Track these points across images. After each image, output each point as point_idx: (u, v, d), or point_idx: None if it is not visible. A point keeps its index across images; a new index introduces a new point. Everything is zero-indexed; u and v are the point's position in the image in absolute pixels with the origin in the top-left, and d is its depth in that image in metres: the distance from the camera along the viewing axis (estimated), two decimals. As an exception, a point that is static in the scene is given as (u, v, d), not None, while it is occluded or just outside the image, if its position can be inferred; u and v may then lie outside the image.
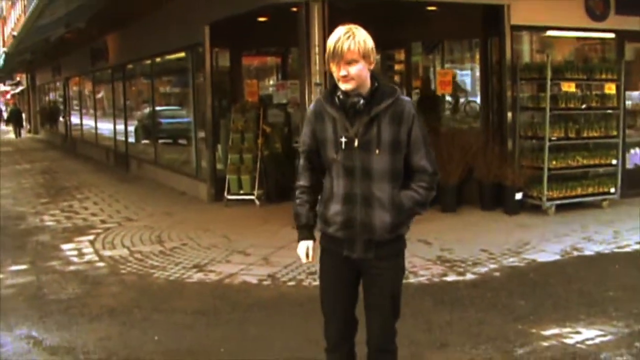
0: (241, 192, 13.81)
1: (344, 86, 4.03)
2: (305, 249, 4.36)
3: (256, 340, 6.48)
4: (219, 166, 14.80)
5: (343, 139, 4.07)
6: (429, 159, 4.14)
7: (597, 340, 6.22)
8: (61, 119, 35.56)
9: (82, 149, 28.87)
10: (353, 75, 3.98)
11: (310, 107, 4.33)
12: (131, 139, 21.81)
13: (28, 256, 10.06)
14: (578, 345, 6.10)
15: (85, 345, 6.45)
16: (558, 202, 11.84)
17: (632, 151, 13.52)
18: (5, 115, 57.04)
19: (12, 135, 45.61)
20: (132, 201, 14.79)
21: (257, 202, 13.49)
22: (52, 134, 38.99)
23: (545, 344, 6.16)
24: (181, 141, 17.87)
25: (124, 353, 6.24)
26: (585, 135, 12.13)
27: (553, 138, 11.73)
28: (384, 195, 4.07)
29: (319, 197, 4.31)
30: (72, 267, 9.37)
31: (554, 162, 11.76)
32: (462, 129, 13.44)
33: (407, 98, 4.18)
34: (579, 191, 12.11)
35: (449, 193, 12.13)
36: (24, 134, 46.60)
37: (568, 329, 6.48)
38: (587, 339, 6.24)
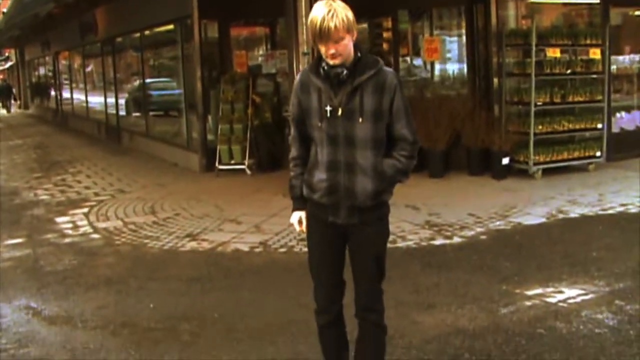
0: (232, 162, 13.96)
1: (332, 62, 4.12)
2: (299, 218, 4.50)
3: (249, 305, 6.66)
4: (210, 137, 14.92)
5: (328, 108, 4.18)
6: (410, 128, 4.28)
7: (579, 299, 6.41)
8: (52, 93, 35.51)
9: (73, 123, 28.89)
10: (341, 51, 4.09)
11: (296, 78, 4.45)
12: (122, 112, 21.87)
13: (24, 230, 10.19)
14: (560, 304, 6.29)
15: (82, 314, 6.62)
16: (544, 166, 12.01)
17: (617, 115, 13.67)
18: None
19: (2, 111, 45.51)
20: (124, 173, 14.91)
21: (248, 171, 13.64)
22: (42, 109, 38.93)
23: (528, 303, 6.35)
24: (172, 113, 17.94)
25: (121, 320, 6.41)
26: (570, 100, 12.27)
27: (539, 103, 11.87)
28: (366, 163, 4.18)
29: None
30: (67, 240, 9.52)
31: (540, 127, 11.92)
32: (449, 95, 13.53)
33: (389, 69, 4.30)
34: (565, 155, 12.26)
35: (436, 159, 12.31)
36: (14, 109, 46.50)
37: (551, 289, 6.68)
38: (569, 298, 6.44)
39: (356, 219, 4.29)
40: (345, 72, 4.15)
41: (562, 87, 12.29)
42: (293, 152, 4.52)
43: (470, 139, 12.22)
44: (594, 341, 5.47)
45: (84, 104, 27.37)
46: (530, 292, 6.61)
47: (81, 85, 28.04)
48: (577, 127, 12.39)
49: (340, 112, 4.17)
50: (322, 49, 4.13)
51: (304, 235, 4.55)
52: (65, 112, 31.60)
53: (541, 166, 11.96)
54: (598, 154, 12.52)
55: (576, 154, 12.36)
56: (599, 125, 12.52)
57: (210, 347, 5.71)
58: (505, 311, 6.18)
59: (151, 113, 19.25)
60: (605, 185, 11.13)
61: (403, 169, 4.29)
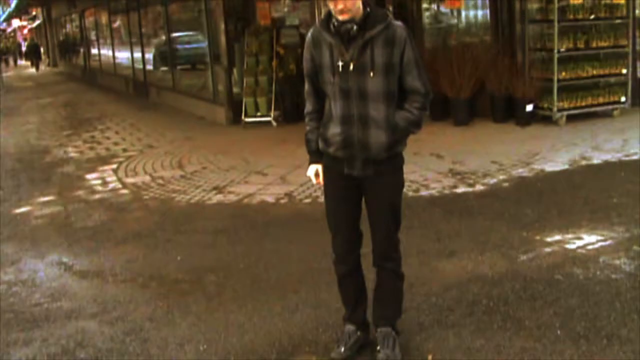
0: (258, 114, 14.09)
1: (341, 17, 4.22)
2: (315, 171, 4.68)
3: (274, 255, 6.82)
4: (236, 90, 15.03)
5: (339, 63, 4.28)
6: (422, 80, 4.37)
7: (598, 245, 6.49)
8: (79, 50, 35.68)
9: (101, 79, 29.09)
10: (350, 7, 4.19)
11: (308, 34, 4.55)
12: (149, 67, 21.98)
13: (54, 187, 10.39)
14: (579, 250, 6.38)
15: (112, 267, 6.82)
16: (568, 112, 11.98)
17: (644, 59, 13.53)
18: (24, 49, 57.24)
19: (32, 70, 45.81)
20: (152, 128, 15.07)
21: (273, 123, 13.76)
22: (71, 66, 39.16)
23: (547, 249, 6.45)
24: (198, 66, 18.03)
25: (149, 273, 6.60)
26: (594, 45, 12.16)
27: (562, 49, 11.81)
28: (379, 115, 4.30)
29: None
30: (97, 196, 9.71)
31: (563, 73, 11.86)
32: (472, 42, 13.49)
33: (398, 22, 4.35)
34: (589, 101, 12.21)
35: (461, 107, 12.35)
36: (42, 67, 46.80)
37: (570, 235, 6.76)
38: (588, 244, 6.52)
39: (371, 170, 4.40)
40: (355, 27, 4.23)
41: (586, 33, 12.17)
42: (308, 107, 4.66)
43: (494, 86, 12.21)
44: (609, 286, 5.56)
45: (112, 60, 27.52)
46: (549, 239, 6.70)
47: (108, 42, 28.17)
48: (601, 72, 12.31)
49: (352, 67, 4.26)
50: (331, 5, 4.22)
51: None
52: (93, 69, 31.80)
53: (565, 112, 11.93)
54: (623, 99, 12.44)
55: (600, 100, 12.31)
56: (624, 71, 12.42)
57: (235, 296, 5.88)
58: (524, 258, 6.28)
59: (178, 67, 19.34)
60: (629, 131, 11.08)
61: (415, 120, 4.41)
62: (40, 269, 6.99)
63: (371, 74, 4.26)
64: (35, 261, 7.21)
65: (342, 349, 4.71)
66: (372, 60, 4.26)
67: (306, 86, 4.64)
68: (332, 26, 4.31)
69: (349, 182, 4.50)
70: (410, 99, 4.39)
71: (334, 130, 4.41)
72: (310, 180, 4.77)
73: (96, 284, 6.47)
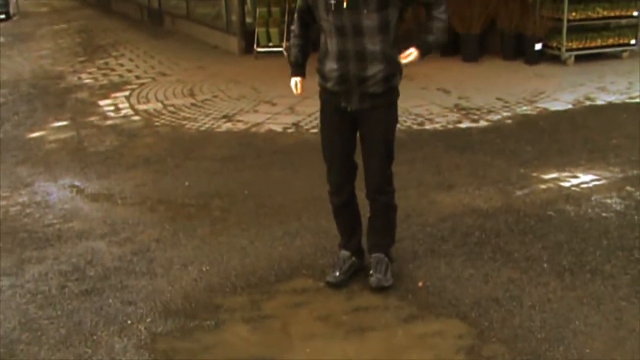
0: (270, 44, 14.17)
1: None
2: (295, 83, 4.94)
3: (278, 182, 7.06)
4: (249, 20, 15.09)
5: (332, 1, 4.39)
6: None
7: (592, 184, 6.68)
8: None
9: (116, 6, 28.99)
10: None
11: None
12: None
13: (68, 113, 10.56)
14: (573, 188, 6.57)
15: (122, 191, 7.07)
16: (577, 52, 12.02)
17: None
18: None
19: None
20: (166, 57, 15.16)
21: (285, 53, 13.87)
22: (86, -9, 38.99)
23: (543, 186, 6.65)
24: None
25: (157, 197, 6.85)
26: (606, -14, 12.15)
27: (573, -11, 11.81)
28: (376, 48, 4.43)
29: (315, 51, 4.73)
30: (109, 122, 9.90)
31: (573, 14, 11.85)
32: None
33: None
34: (598, 42, 12.22)
35: (470, 43, 12.43)
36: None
37: (567, 173, 6.95)
38: (583, 183, 6.71)
39: (367, 104, 4.57)
40: None
41: (598, -26, 12.15)
42: (294, 27, 4.85)
43: (505, 24, 12.26)
44: (599, 224, 5.77)
45: (127, -14, 27.43)
46: (546, 176, 6.89)
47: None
48: (612, 14, 12.28)
49: (345, 5, 4.36)
50: None
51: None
52: (108, -5, 31.70)
53: (574, 52, 11.98)
54: (632, 41, 12.44)
55: (610, 42, 12.31)
56: (635, 13, 12.39)
57: (239, 221, 6.13)
58: (519, 193, 6.49)
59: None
60: (636, 73, 11.10)
61: (446, 26, 4.58)
62: (53, 191, 7.23)
63: (365, 11, 4.35)
64: (49, 184, 7.45)
65: (337, 273, 4.96)
66: None
67: (295, 17, 4.82)
68: None
69: (345, 115, 4.64)
70: (435, 4, 4.52)
71: (331, 65, 4.53)
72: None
73: (106, 207, 6.72)
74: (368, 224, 5.01)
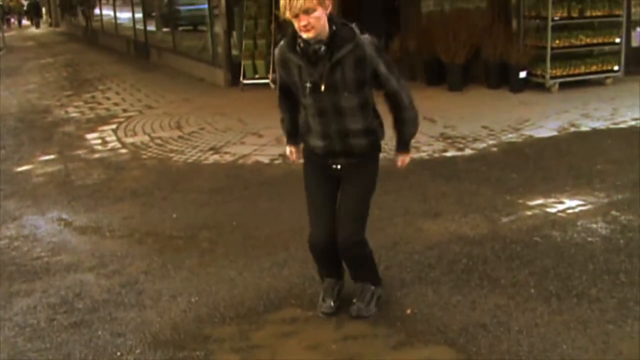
0: (256, 76, 14.27)
1: (305, 35, 4.14)
2: (290, 151, 5.03)
3: (265, 214, 7.07)
4: (235, 52, 15.18)
5: (308, 85, 4.31)
6: (400, 85, 4.48)
7: (578, 209, 6.72)
8: (81, 10, 35.66)
9: (103, 40, 29.16)
10: (314, 24, 4.09)
11: (275, 52, 4.49)
12: (151, 28, 22.07)
13: (55, 146, 10.60)
14: (559, 214, 6.61)
15: (110, 224, 7.08)
16: (561, 80, 12.14)
17: (637, 29, 13.57)
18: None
19: (33, 29, 45.77)
20: (152, 89, 15.24)
21: (272, 85, 13.91)
22: (72, 26, 39.15)
23: (529, 213, 6.68)
24: (199, 28, 18.14)
25: (145, 229, 6.86)
26: (589, 14, 12.24)
27: (556, 18, 11.92)
28: (357, 126, 4.47)
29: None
30: (96, 155, 9.93)
31: (557, 42, 11.98)
32: (468, 8, 13.64)
33: (366, 38, 4.30)
34: (582, 69, 12.34)
35: (455, 72, 12.54)
36: (42, 26, 46.77)
37: (552, 199, 6.99)
38: (569, 208, 6.74)
39: (354, 160, 4.61)
40: (323, 48, 4.20)
41: (581, 2, 12.21)
42: (281, 112, 4.88)
43: (489, 53, 12.37)
44: (584, 249, 5.80)
45: (113, 21, 27.57)
46: (532, 203, 6.92)
47: (110, 1, 28.19)
48: (595, 41, 12.41)
49: (323, 88, 4.30)
50: (295, 22, 4.13)
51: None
52: (95, 29, 31.84)
53: (558, 80, 12.09)
54: (616, 68, 12.57)
55: (594, 68, 12.44)
56: (617, 40, 12.52)
57: (227, 253, 6.14)
58: (506, 220, 6.52)
59: (180, 28, 19.44)
60: (620, 99, 11.24)
61: (413, 116, 4.65)
62: (41, 224, 7.24)
63: (345, 93, 4.33)
64: (36, 217, 7.45)
65: (332, 303, 4.92)
66: (343, 81, 4.29)
67: (277, 93, 4.77)
68: (298, 47, 4.26)
69: (331, 172, 4.68)
70: (396, 108, 4.58)
71: (316, 142, 4.59)
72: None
73: (94, 240, 6.72)
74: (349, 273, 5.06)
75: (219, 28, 15.28)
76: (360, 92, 4.38)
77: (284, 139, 5.04)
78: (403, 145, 4.83)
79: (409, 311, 4.95)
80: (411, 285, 5.32)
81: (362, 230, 4.72)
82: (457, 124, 10.15)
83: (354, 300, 4.87)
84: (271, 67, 14.01)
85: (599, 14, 12.35)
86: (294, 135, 4.89)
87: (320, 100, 4.37)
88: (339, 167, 4.62)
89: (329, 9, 4.18)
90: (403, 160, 4.92)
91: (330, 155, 4.60)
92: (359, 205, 4.67)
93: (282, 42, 4.43)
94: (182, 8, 19.47)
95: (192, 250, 6.26)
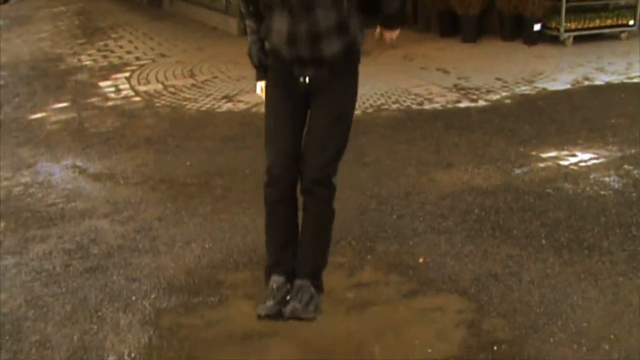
0: (269, 26, 14.13)
1: None
2: (261, 88, 4.17)
3: (278, 162, 7.09)
4: (248, 1, 15.04)
5: None
6: None
7: (590, 162, 6.75)
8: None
9: (115, -13, 28.97)
10: None
11: None
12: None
13: (69, 94, 10.56)
14: (571, 167, 6.64)
15: (124, 171, 7.12)
16: (576, 33, 12.02)
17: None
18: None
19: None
20: (165, 38, 15.16)
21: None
22: (84, -28, 38.87)
23: (541, 165, 6.71)
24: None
25: (159, 176, 6.90)
26: (605, -33, 12.16)
27: (572, -31, 11.82)
28: (330, 24, 3.72)
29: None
30: (110, 103, 9.92)
31: (572, -6, 11.90)
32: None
33: None
34: (597, 23, 12.20)
35: (469, 23, 12.41)
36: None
37: (565, 152, 7.01)
38: (581, 161, 6.78)
39: (325, 71, 3.83)
40: None
41: (598, -47, 12.14)
42: (248, 20, 4.07)
43: (504, 4, 12.23)
44: (597, 202, 5.84)
45: (125, -32, 27.36)
46: (545, 155, 6.94)
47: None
48: (611, -5, 12.30)
49: None
50: None
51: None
52: (106, -24, 31.60)
53: (572, 33, 11.98)
54: (631, 22, 12.40)
55: (608, 22, 12.29)
56: (634, -6, 12.40)
57: (240, 200, 6.18)
58: (518, 172, 6.55)
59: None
60: (634, 53, 11.13)
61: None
62: (56, 171, 7.28)
63: None
64: (51, 164, 7.49)
65: (271, 303, 3.93)
66: None
67: (241, 7, 4.09)
68: None
69: (297, 86, 3.88)
70: None
71: (280, 47, 3.83)
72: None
73: (109, 186, 6.77)
74: (300, 237, 4.10)
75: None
76: None
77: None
78: (386, 20, 4.09)
79: (421, 260, 5.00)
80: (423, 235, 5.36)
81: (333, 165, 3.91)
82: (470, 76, 10.10)
83: (288, 298, 3.91)
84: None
85: (616, -34, 12.21)
86: (264, 63, 4.04)
87: None
88: (307, 80, 3.83)
89: None
90: (388, 35, 4.13)
91: (296, 62, 3.82)
92: (331, 131, 3.89)
93: None
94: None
95: (206, 197, 6.31)
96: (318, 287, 3.99)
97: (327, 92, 3.86)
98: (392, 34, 4.15)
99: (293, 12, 3.69)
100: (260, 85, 4.15)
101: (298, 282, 3.93)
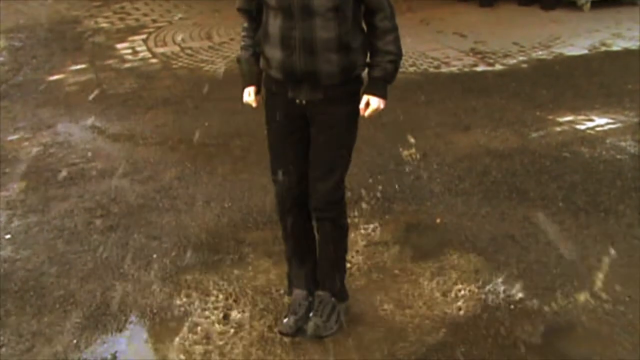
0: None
1: None
2: (248, 93, 3.94)
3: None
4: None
5: None
6: None
7: (607, 127, 6.77)
8: None
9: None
10: None
11: None
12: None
13: (86, 56, 10.57)
14: (588, 131, 6.66)
15: (143, 132, 7.17)
16: (594, -2, 11.97)
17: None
18: None
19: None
20: (181, 0, 15.14)
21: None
22: None
23: (558, 129, 6.73)
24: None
25: (178, 137, 6.95)
26: None
27: None
28: (329, 35, 3.54)
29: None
30: (127, 65, 9.92)
31: (591, -42, 11.78)
32: None
33: None
34: (616, -12, 12.13)
35: (487, -13, 12.36)
36: None
37: (582, 117, 7.03)
38: (598, 126, 6.80)
39: (321, 94, 3.66)
40: None
41: None
42: (245, 23, 3.94)
43: (521, -31, 12.19)
44: (613, 166, 5.88)
45: None
46: (561, 119, 6.96)
47: None
48: (630, -42, 12.16)
49: None
50: None
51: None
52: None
53: (591, -2, 11.93)
54: (651, -13, 12.34)
55: (627, -13, 12.23)
56: (653, -42, 12.26)
57: (259, 160, 6.15)
58: (535, 135, 6.58)
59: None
60: (653, 20, 11.10)
61: (397, 37, 3.68)
62: (75, 132, 7.32)
63: None
64: (70, 125, 7.53)
65: (292, 322, 4.01)
66: None
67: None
68: None
69: (294, 109, 3.73)
70: (378, 17, 3.63)
71: (273, 53, 3.66)
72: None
73: (128, 147, 6.83)
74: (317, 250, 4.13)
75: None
76: None
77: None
78: (375, 83, 3.72)
79: (438, 220, 5.06)
80: (441, 196, 5.42)
81: (339, 186, 3.87)
82: (487, 40, 10.08)
83: (311, 314, 4.01)
84: None
85: None
86: (253, 70, 3.87)
87: None
88: (303, 102, 3.67)
89: None
90: (371, 105, 3.71)
91: (290, 81, 3.66)
92: (333, 159, 3.81)
93: None
94: None
95: (225, 158, 6.37)
96: (339, 296, 4.10)
97: (326, 119, 3.73)
98: (376, 103, 3.71)
99: (291, 16, 3.54)
100: (248, 90, 3.92)
101: (319, 294, 4.06)
